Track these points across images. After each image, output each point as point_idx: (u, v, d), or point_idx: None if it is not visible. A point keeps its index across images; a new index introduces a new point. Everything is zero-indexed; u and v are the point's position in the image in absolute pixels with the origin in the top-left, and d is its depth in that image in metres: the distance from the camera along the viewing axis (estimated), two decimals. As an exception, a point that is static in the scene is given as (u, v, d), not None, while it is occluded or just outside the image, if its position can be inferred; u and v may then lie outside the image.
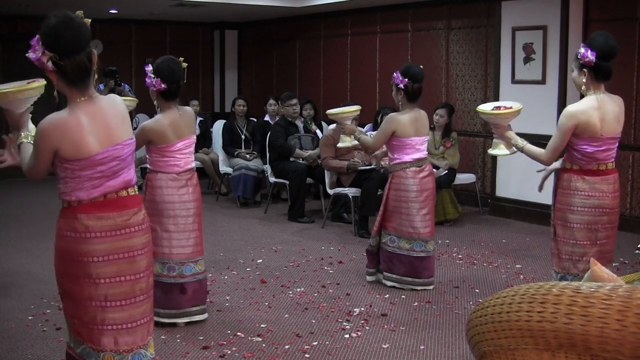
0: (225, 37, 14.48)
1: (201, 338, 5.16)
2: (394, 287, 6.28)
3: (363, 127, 9.95)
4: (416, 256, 6.21)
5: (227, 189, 10.95)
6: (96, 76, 3.31)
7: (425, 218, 6.26)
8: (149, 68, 5.15)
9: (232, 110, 10.94)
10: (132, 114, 11.22)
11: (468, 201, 9.92)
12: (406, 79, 6.07)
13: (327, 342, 5.09)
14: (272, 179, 9.76)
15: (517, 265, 7.11)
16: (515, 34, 9.10)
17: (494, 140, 5.28)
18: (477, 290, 6.33)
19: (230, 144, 10.52)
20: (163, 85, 5.08)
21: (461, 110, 10.21)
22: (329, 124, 10.60)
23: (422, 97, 10.21)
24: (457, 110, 9.97)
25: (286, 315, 5.67)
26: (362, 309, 5.82)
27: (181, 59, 5.26)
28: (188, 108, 5.43)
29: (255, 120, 11.00)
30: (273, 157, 9.64)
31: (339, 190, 8.72)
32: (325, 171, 8.86)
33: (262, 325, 5.42)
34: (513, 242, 8.12)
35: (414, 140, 6.16)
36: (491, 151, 5.36)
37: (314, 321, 5.53)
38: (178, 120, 5.18)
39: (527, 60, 9.02)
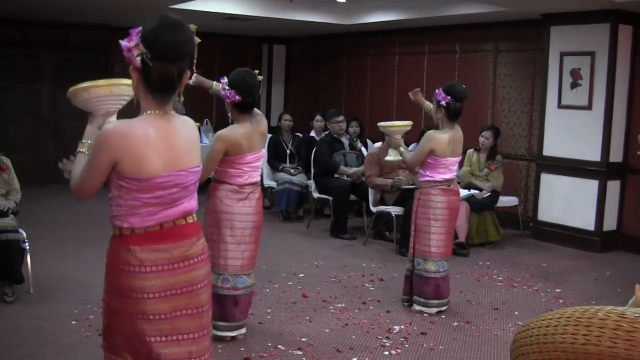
0: (273, 51, 14.65)
1: (242, 349, 5.25)
2: (422, 312, 6.20)
3: (408, 147, 10.02)
4: (440, 277, 6.22)
5: (270, 202, 11.06)
6: (182, 98, 3.09)
7: (449, 237, 6.32)
8: (224, 80, 5.17)
9: (278, 124, 11.08)
10: None
11: (509, 224, 9.92)
12: (449, 97, 6.02)
13: (366, 358, 5.17)
14: (315, 195, 9.86)
15: (556, 290, 7.12)
16: (563, 59, 9.12)
17: None
18: (516, 313, 6.36)
19: (275, 158, 10.64)
20: (238, 97, 5.09)
21: (506, 133, 10.23)
22: (374, 142, 10.69)
23: (468, 117, 10.31)
24: (502, 133, 9.98)
25: (327, 330, 5.75)
26: (402, 326, 5.89)
27: (256, 71, 5.31)
28: (263, 120, 5.39)
29: (300, 135, 11.11)
30: (317, 172, 9.75)
31: (382, 208, 8.79)
32: (369, 189, 8.94)
33: (303, 339, 5.51)
34: (553, 267, 8.13)
35: (449, 160, 6.15)
36: None
37: (354, 337, 5.62)
38: (251, 133, 5.20)
39: (574, 85, 9.03)
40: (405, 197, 8.57)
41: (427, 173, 6.19)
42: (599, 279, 7.63)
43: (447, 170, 6.17)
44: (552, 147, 9.37)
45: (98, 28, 12.80)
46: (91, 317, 5.85)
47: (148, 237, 2.93)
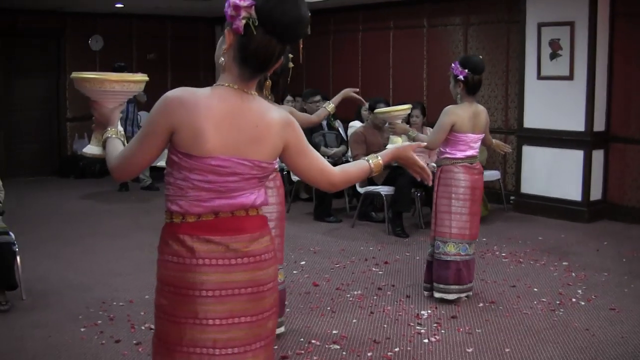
0: (227, 32, 14.29)
1: (275, 347, 4.97)
2: (442, 299, 5.90)
3: (348, 123, 9.78)
4: (462, 261, 5.88)
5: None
6: (270, 97, 2.74)
7: (474, 219, 5.96)
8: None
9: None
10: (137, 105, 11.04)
11: (491, 198, 9.83)
12: (466, 70, 5.73)
13: (408, 348, 4.98)
14: (295, 178, 9.61)
15: (564, 263, 7.06)
16: (541, 30, 9.05)
17: None
18: (535, 290, 6.25)
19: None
20: None
21: (481, 107, 10.13)
22: (343, 121, 10.48)
23: (440, 93, 10.22)
24: (478, 106, 9.90)
25: (354, 320, 5.54)
26: (429, 311, 5.72)
27: (290, 56, 4.90)
28: (287, 107, 5.01)
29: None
30: (296, 155, 9.48)
31: (370, 188, 8.61)
32: (354, 169, 8.71)
33: (334, 332, 5.29)
34: (549, 239, 8.07)
35: (469, 137, 5.84)
36: None
37: (385, 326, 5.42)
38: None
39: (553, 56, 8.98)
40: (394, 176, 8.41)
41: (447, 150, 5.90)
42: (599, 250, 7.60)
43: (469, 147, 5.86)
44: (533, 118, 9.31)
45: (48, 13, 12.28)
46: (99, 322, 5.44)
47: (200, 226, 2.55)
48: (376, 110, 6.65)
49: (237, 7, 2.43)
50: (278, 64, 2.61)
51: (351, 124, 9.92)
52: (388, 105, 8.86)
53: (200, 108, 2.47)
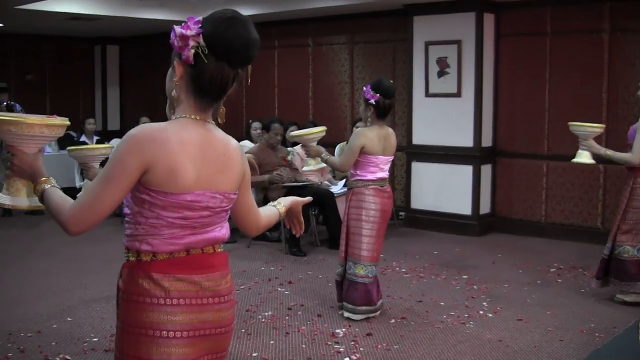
0: (106, 52, 13.98)
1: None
2: (349, 318, 5.93)
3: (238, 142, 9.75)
4: (371, 282, 5.94)
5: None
6: (223, 109, 2.53)
7: (379, 241, 6.05)
8: None
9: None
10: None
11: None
12: (378, 94, 5.80)
13: (331, 367, 4.98)
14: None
15: (464, 276, 7.23)
16: (428, 48, 9.28)
17: (579, 150, 6.23)
18: (442, 303, 6.37)
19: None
20: None
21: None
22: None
23: (328, 111, 10.33)
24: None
25: (272, 342, 5.47)
26: (344, 329, 5.72)
27: None
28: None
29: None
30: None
31: (266, 208, 8.56)
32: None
33: (254, 355, 5.20)
34: (445, 253, 8.25)
35: (379, 158, 5.91)
36: (575, 160, 6.29)
37: (304, 346, 5.38)
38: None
39: (441, 74, 9.21)
40: (292, 195, 8.35)
41: (358, 172, 5.94)
42: (495, 262, 7.83)
43: (379, 169, 5.93)
44: (422, 135, 9.52)
45: None
46: (10, 355, 5.10)
47: (173, 264, 2.42)
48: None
49: (184, 37, 2.37)
50: (232, 89, 2.53)
51: (241, 143, 9.86)
52: (282, 124, 8.87)
53: (173, 144, 2.36)
